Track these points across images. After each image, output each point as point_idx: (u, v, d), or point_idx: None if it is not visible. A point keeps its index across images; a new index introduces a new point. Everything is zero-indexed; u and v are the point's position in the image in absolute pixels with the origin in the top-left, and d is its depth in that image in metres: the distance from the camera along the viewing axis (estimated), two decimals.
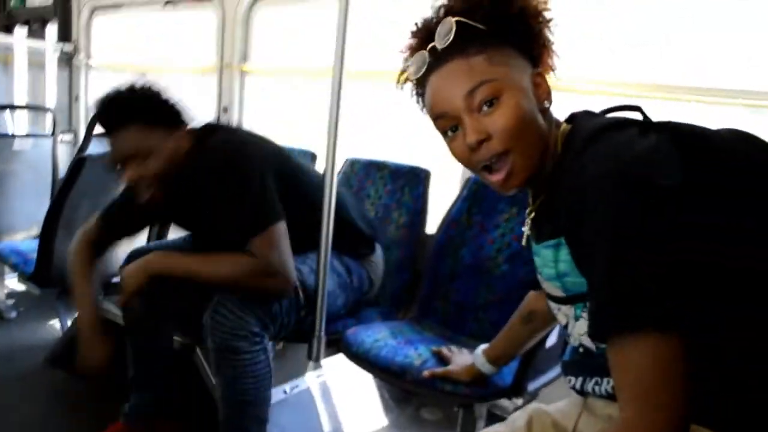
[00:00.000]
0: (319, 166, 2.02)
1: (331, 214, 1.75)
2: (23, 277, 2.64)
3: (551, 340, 1.60)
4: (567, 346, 1.11)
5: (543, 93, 0.98)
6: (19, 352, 2.71)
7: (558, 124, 1.00)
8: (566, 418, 1.11)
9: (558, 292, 1.00)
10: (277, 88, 3.30)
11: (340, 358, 1.90)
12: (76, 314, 1.81)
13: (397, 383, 1.83)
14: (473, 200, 2.09)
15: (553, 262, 0.97)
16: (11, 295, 3.20)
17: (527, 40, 0.98)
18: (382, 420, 2.33)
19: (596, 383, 1.02)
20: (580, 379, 1.05)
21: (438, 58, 0.96)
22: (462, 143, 0.96)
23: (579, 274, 0.89)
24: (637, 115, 0.94)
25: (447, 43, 0.95)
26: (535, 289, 1.34)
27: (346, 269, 1.90)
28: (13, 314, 3.06)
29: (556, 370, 1.80)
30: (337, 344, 1.87)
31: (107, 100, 1.65)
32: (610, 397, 0.98)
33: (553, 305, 1.05)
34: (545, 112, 0.98)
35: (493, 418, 1.50)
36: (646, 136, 0.86)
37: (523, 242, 1.07)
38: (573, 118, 0.99)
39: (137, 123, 1.63)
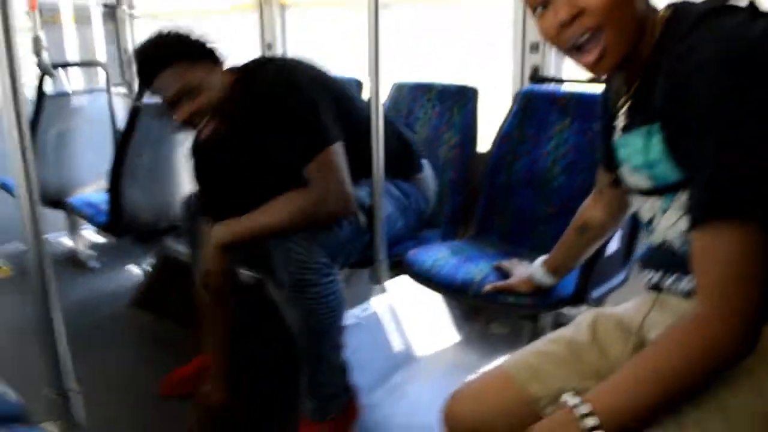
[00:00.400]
0: (366, 94, 2.03)
1: (380, 139, 1.76)
2: (98, 228, 2.77)
3: (612, 247, 1.61)
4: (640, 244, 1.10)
5: None
6: (105, 299, 2.88)
7: (656, 10, 0.95)
8: (633, 315, 1.12)
9: (646, 183, 0.97)
10: (319, 20, 3.28)
11: (405, 279, 1.96)
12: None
13: (461, 299, 1.89)
14: (524, 114, 2.08)
15: (643, 149, 0.94)
16: (91, 246, 3.38)
17: None
18: (452, 336, 2.40)
19: (677, 279, 1.01)
20: (659, 273, 1.05)
21: None
22: (552, 20, 0.92)
23: (671, 162, 0.88)
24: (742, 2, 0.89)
25: None
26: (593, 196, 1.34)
27: (401, 192, 1.93)
28: (96, 264, 3.24)
29: (620, 277, 1.81)
30: (400, 266, 1.92)
31: (144, 48, 1.67)
32: (687, 295, 0.98)
33: (638, 199, 1.02)
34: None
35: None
36: (755, 21, 0.82)
37: (616, 135, 1.02)
38: (673, 5, 0.94)
39: (179, 61, 1.64)
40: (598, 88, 1.97)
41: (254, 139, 1.77)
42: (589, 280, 1.59)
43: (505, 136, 2.09)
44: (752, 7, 0.87)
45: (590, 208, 1.35)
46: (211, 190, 1.91)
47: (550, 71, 2.30)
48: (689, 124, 0.81)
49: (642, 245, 1.13)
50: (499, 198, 2.08)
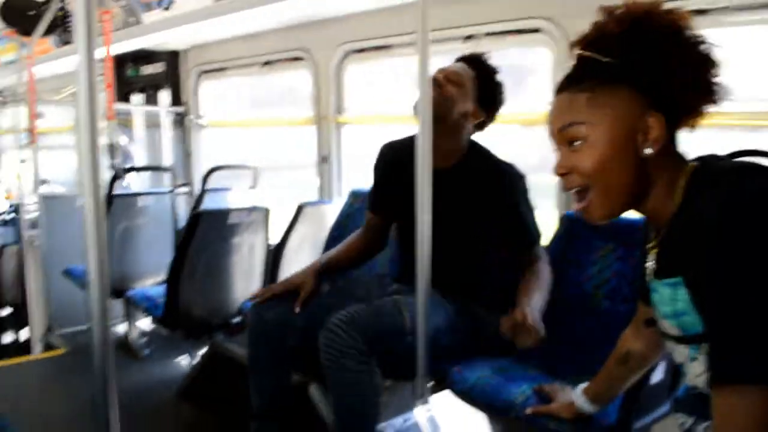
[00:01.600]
0: None
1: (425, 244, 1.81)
2: (154, 320, 2.90)
3: (657, 376, 1.60)
4: (681, 381, 1.12)
5: (649, 139, 0.98)
6: (154, 387, 2.96)
7: (683, 162, 1.01)
8: None
9: (675, 331, 1.00)
10: (370, 135, 3.48)
11: (446, 394, 1.99)
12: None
13: (502, 420, 1.90)
14: (568, 237, 2.14)
15: (671, 300, 0.97)
16: (144, 334, 3.49)
17: (654, 78, 0.97)
18: None
19: (707, 428, 1.03)
20: (691, 419, 1.06)
21: (558, 85, 1.06)
22: (556, 166, 1.06)
23: (697, 314, 0.91)
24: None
25: (566, 74, 1.05)
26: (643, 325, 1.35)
27: (454, 311, 1.98)
28: (147, 352, 3.34)
29: (664, 408, 1.79)
30: (443, 381, 1.95)
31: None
32: None
33: (668, 344, 1.06)
34: (657, 156, 0.98)
35: None
36: None
37: (648, 276, 1.07)
38: (700, 159, 1.01)
39: (475, 71, 2.00)
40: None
41: (466, 203, 1.99)
42: (631, 410, 1.58)
43: (550, 259, 2.14)
44: None
45: (631, 339, 1.37)
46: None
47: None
48: (701, 283, 0.87)
49: (681, 385, 1.14)
50: (543, 319, 2.11)
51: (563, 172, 1.03)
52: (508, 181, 2.00)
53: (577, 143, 1.00)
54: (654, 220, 1.04)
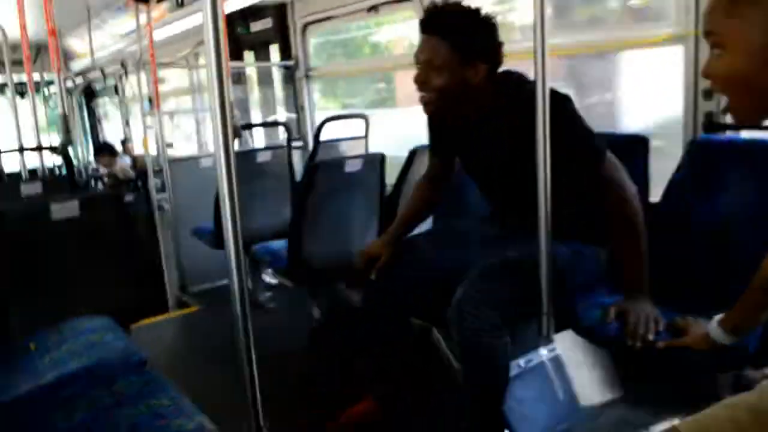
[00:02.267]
0: None
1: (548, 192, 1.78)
2: (278, 274, 3.01)
3: None
4: None
5: None
6: (282, 337, 3.09)
7: None
8: None
9: None
10: None
11: (569, 333, 1.95)
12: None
13: (631, 355, 1.84)
14: (698, 164, 2.00)
15: None
16: (269, 287, 3.66)
17: None
18: (620, 391, 2.32)
19: None
20: None
21: None
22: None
23: None
24: None
25: None
26: None
27: (574, 252, 1.95)
28: (272, 305, 3.51)
29: None
30: (567, 319, 1.91)
31: (443, 6, 1.88)
32: None
33: None
34: None
35: (740, 391, 1.45)
36: None
37: None
38: None
39: (448, 41, 1.82)
40: None
41: (510, 137, 1.88)
42: None
43: (676, 188, 2.02)
44: None
45: None
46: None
47: (726, 118, 2.20)
48: None
49: None
50: (671, 251, 2.01)
51: (706, 75, 1.06)
52: (551, 104, 1.81)
53: (716, 51, 1.03)
54: None
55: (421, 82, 1.87)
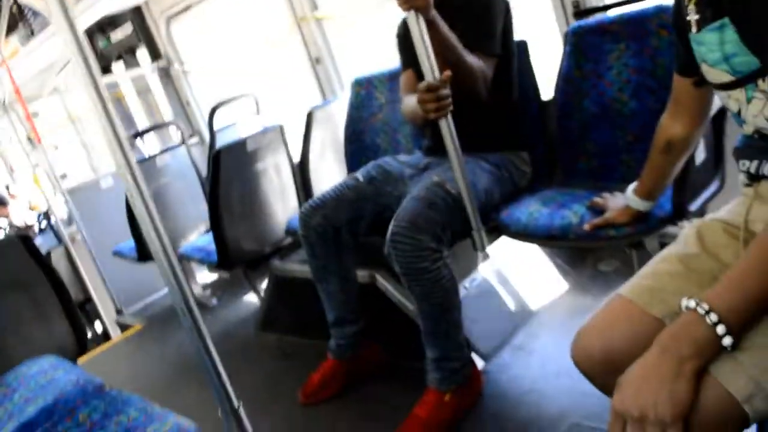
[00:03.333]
0: None
1: None
2: (211, 268, 2.97)
3: (700, 156, 1.61)
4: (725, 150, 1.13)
5: None
6: (232, 329, 3.08)
7: None
8: (736, 214, 1.14)
9: (726, 77, 1.01)
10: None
11: (503, 241, 2.02)
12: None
13: (563, 245, 1.92)
14: (579, 51, 2.08)
15: (718, 45, 0.98)
16: (206, 286, 3.61)
17: None
18: (563, 285, 2.43)
19: None
20: (756, 162, 1.07)
21: None
22: None
23: (747, 52, 0.93)
24: None
25: None
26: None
27: (494, 166, 2.00)
28: (214, 301, 3.46)
29: (714, 185, 1.80)
30: (498, 229, 1.97)
31: None
32: None
33: (722, 93, 1.06)
34: None
35: None
36: None
37: (693, 29, 1.06)
38: None
39: None
40: (643, 5, 1.98)
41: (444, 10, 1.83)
42: (684, 195, 1.59)
43: (565, 78, 2.10)
44: None
45: (669, 126, 1.35)
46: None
47: (591, 1, 2.29)
48: (752, 15, 0.87)
49: (737, 137, 1.14)
50: (575, 139, 2.10)
51: None
52: None
53: None
54: None
55: None
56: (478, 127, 2.00)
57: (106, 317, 4.07)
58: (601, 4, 2.30)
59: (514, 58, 2.06)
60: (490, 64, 1.92)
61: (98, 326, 4.57)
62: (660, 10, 1.92)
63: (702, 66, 1.07)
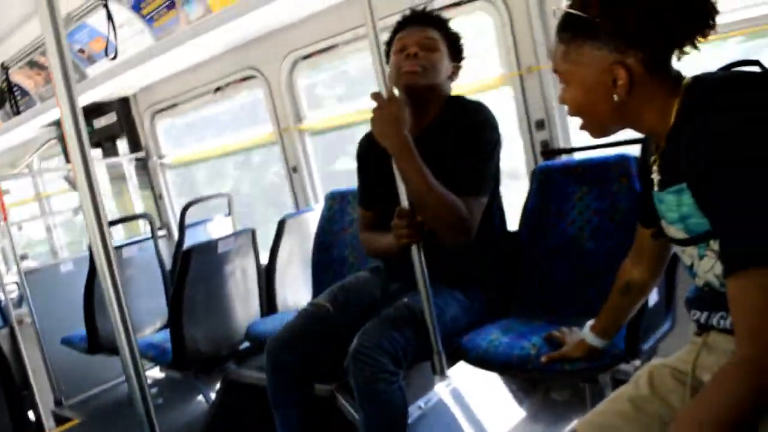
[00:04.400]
0: None
1: None
2: (163, 366, 2.90)
3: (653, 298, 1.69)
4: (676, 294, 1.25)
5: (617, 86, 1.08)
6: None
7: (677, 82, 1.09)
8: (685, 361, 1.20)
9: (681, 235, 1.10)
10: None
11: (462, 366, 2.04)
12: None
13: (520, 374, 1.95)
14: (544, 189, 2.21)
15: (676, 206, 1.07)
16: (154, 383, 3.49)
17: (630, 28, 1.06)
18: (517, 411, 2.44)
19: (722, 317, 1.11)
20: (705, 313, 1.15)
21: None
22: None
23: (701, 215, 1.01)
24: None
25: (556, 25, 1.17)
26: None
27: (465, 296, 2.03)
28: (160, 401, 3.34)
29: (666, 326, 1.88)
30: (458, 354, 2.00)
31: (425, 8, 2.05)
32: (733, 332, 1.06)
33: (677, 248, 1.15)
34: (646, 85, 1.08)
35: (619, 385, 1.58)
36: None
37: (655, 187, 1.15)
38: (694, 77, 1.09)
39: (441, 27, 1.98)
40: (610, 151, 2.13)
41: (435, 145, 1.90)
42: (637, 335, 1.66)
43: (530, 214, 2.21)
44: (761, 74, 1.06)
45: (630, 269, 1.44)
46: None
47: (559, 143, 2.45)
48: (705, 186, 0.96)
49: (689, 288, 1.23)
50: (536, 272, 2.18)
51: (561, 102, 1.20)
52: (471, 128, 1.89)
53: (562, 85, 1.18)
54: (654, 137, 1.14)
55: (414, 54, 1.91)
56: (460, 261, 2.02)
57: (42, 407, 3.87)
58: (568, 146, 2.45)
59: (499, 196, 2.08)
60: (480, 206, 1.88)
61: (32, 415, 4.33)
62: (622, 159, 2.07)
63: (662, 221, 1.16)
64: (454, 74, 2.03)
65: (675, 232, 1.11)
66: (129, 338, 1.20)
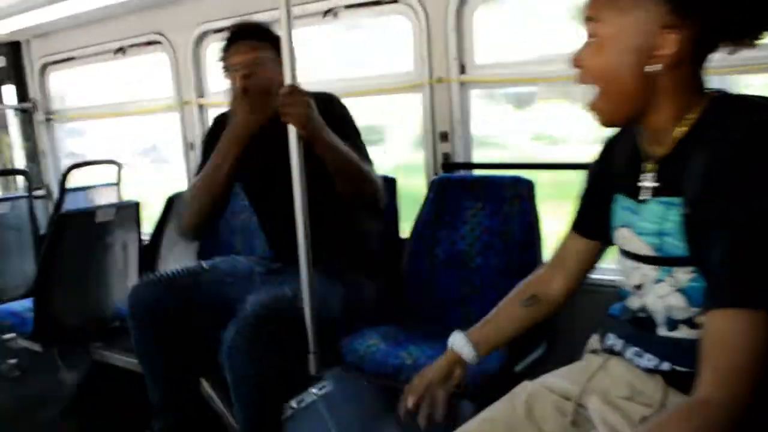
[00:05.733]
0: None
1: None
2: (23, 338, 2.71)
3: None
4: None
5: (657, 56, 0.94)
6: (29, 409, 2.78)
7: (700, 88, 0.98)
8: (571, 382, 1.13)
9: (647, 251, 1.00)
10: None
11: (338, 369, 2.02)
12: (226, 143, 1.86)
13: (393, 385, 1.95)
14: (440, 200, 2.22)
15: (658, 218, 0.98)
16: (11, 354, 3.26)
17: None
18: (387, 423, 2.43)
19: (638, 353, 1.04)
20: (621, 341, 1.08)
21: None
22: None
23: (681, 237, 0.93)
24: None
25: None
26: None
27: (348, 290, 2.02)
28: (17, 373, 3.12)
29: (541, 348, 1.91)
30: (334, 356, 1.97)
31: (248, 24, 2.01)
32: (647, 372, 1.02)
33: (629, 263, 1.06)
34: (671, 75, 0.95)
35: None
36: None
37: (640, 195, 1.04)
38: (720, 90, 0.99)
39: (273, 45, 1.88)
40: (507, 172, 2.16)
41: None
42: (516, 355, 1.69)
43: (423, 223, 2.22)
44: None
45: (544, 281, 1.30)
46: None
47: (460, 158, 2.47)
48: (712, 211, 0.87)
49: (613, 306, 1.17)
50: (422, 281, 2.20)
51: (576, 64, 1.02)
52: (323, 109, 1.83)
53: (591, 39, 0.99)
54: (654, 138, 1.02)
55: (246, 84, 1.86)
56: (341, 241, 2.05)
57: None
58: (470, 162, 2.48)
59: None
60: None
61: None
62: (517, 180, 2.11)
63: (620, 230, 1.08)
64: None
65: (640, 245, 1.02)
66: None
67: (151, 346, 2.01)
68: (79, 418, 2.59)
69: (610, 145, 1.20)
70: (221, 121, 2.03)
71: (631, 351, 1.06)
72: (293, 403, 2.18)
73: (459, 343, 1.31)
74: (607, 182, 1.15)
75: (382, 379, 1.84)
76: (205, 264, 2.13)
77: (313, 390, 2.27)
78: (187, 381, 2.10)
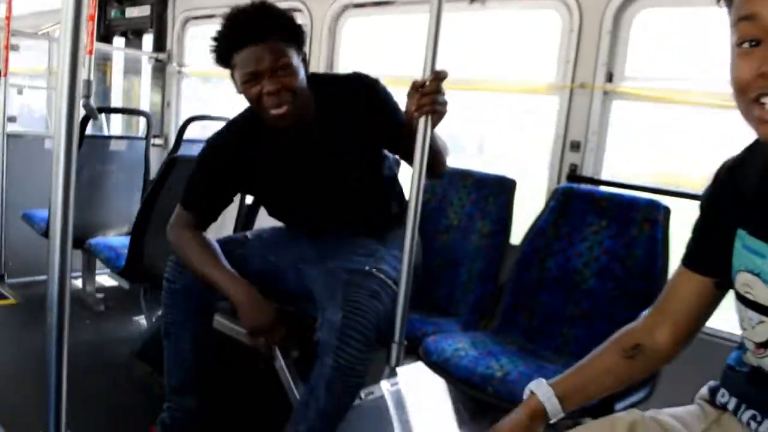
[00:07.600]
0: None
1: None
2: (114, 272, 2.74)
3: None
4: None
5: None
6: (107, 345, 2.82)
7: None
8: (687, 425, 0.99)
9: None
10: None
11: (417, 366, 1.88)
12: (231, 293, 1.73)
13: (477, 394, 1.79)
14: (561, 211, 2.04)
15: None
16: (100, 289, 3.34)
17: None
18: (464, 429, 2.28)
19: (756, 417, 0.92)
20: (735, 401, 0.96)
21: None
22: (755, 63, 0.79)
23: None
24: None
25: None
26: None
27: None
28: (102, 308, 3.19)
29: (643, 392, 1.70)
30: (414, 351, 1.83)
31: (251, 11, 1.66)
32: None
33: (752, 315, 0.91)
34: None
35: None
36: None
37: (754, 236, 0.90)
38: None
39: (284, 36, 1.64)
40: (639, 193, 1.96)
41: (337, 128, 1.75)
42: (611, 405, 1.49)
43: (538, 231, 2.05)
44: None
45: (647, 328, 1.10)
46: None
47: (588, 170, 2.28)
48: None
49: (731, 355, 1.01)
50: (526, 293, 2.02)
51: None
52: (364, 93, 1.73)
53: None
54: None
55: (277, 90, 1.62)
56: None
57: None
58: (598, 177, 2.28)
59: None
60: None
61: None
62: (651, 204, 1.90)
63: (742, 275, 0.92)
64: (306, 63, 1.75)
65: (764, 291, 0.87)
66: (65, 226, 1.02)
67: (182, 322, 1.87)
68: (151, 361, 2.58)
69: (730, 169, 0.99)
70: (219, 146, 1.88)
71: (747, 414, 0.93)
72: (362, 394, 2.07)
73: (544, 395, 1.09)
74: (727, 213, 0.97)
75: (466, 385, 1.68)
76: (249, 234, 2.01)
77: (385, 383, 2.15)
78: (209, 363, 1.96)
